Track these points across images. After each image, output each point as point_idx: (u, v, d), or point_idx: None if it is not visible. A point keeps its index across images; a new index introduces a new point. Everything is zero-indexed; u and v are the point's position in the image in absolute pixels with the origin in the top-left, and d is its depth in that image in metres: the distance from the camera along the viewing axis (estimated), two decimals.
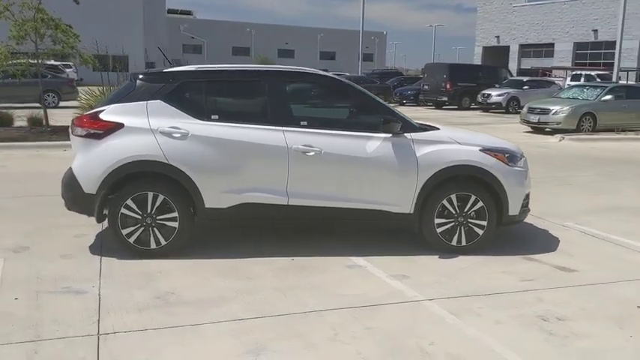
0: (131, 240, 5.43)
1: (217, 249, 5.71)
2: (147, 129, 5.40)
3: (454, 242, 5.75)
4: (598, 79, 36.22)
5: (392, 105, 30.88)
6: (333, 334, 3.99)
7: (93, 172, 5.37)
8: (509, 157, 5.86)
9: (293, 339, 3.90)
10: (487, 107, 28.93)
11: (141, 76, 5.70)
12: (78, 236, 6.15)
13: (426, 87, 31.62)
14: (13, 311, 4.25)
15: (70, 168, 5.53)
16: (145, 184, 5.41)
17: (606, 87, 19.52)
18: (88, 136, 5.44)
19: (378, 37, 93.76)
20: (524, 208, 5.98)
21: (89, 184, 5.37)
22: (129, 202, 5.38)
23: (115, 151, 5.35)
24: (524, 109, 19.24)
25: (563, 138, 16.60)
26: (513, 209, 5.81)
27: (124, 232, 5.42)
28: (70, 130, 5.73)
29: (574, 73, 37.44)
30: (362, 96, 5.91)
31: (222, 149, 5.42)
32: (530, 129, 19.03)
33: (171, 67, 6.33)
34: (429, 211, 5.67)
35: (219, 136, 5.43)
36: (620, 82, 30.42)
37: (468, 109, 30.18)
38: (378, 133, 5.64)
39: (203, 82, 5.70)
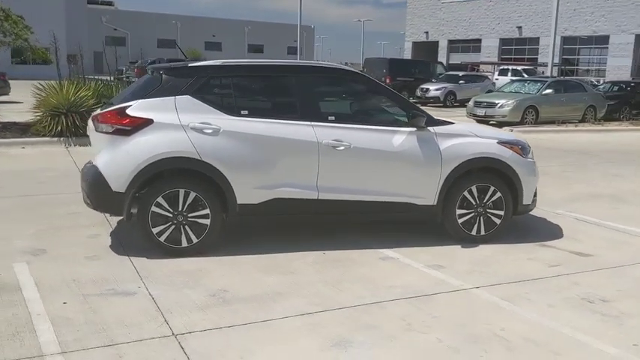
0: (162, 239, 5.30)
1: (246, 245, 5.66)
2: (177, 125, 5.28)
3: (474, 232, 5.97)
4: (524, 74, 38.02)
5: None
6: (406, 324, 4.08)
7: (122, 169, 5.20)
8: (522, 148, 6.14)
9: (370, 330, 3.97)
10: (425, 101, 29.64)
11: (167, 71, 5.55)
12: (92, 237, 5.94)
13: None
14: (70, 316, 4.08)
15: (94, 166, 5.32)
16: (176, 182, 5.29)
17: (546, 81, 20.54)
18: (116, 132, 5.25)
19: (306, 31, 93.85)
20: (534, 197, 6.28)
21: (118, 182, 5.20)
22: (160, 199, 5.25)
23: (145, 147, 5.20)
24: (471, 103, 19.96)
25: (513, 130, 17.34)
26: (527, 199, 6.10)
27: (155, 230, 5.28)
28: (91, 126, 5.50)
29: (501, 67, 39.07)
30: (385, 91, 6.03)
31: (254, 145, 5.38)
32: (475, 122, 19.76)
33: (189, 62, 6.19)
34: (451, 203, 5.85)
35: (250, 131, 5.39)
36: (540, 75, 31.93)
37: None
38: (403, 127, 5.77)
39: (231, 77, 5.62)
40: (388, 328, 4.01)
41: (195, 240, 5.36)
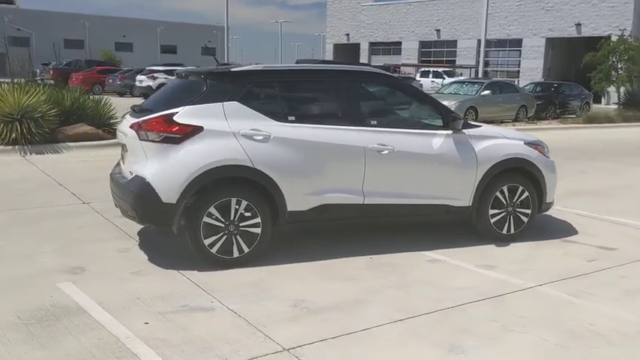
0: (213, 250, 5.11)
1: (288, 253, 5.53)
2: (228, 132, 5.10)
3: (504, 231, 6.15)
4: (445, 76, 39.48)
5: None
6: (500, 325, 4.15)
7: (173, 180, 4.96)
8: (544, 148, 6.40)
9: (470, 334, 3.99)
10: None
11: (212, 76, 5.34)
12: (122, 251, 5.62)
13: None
14: (162, 336, 3.85)
15: (140, 176, 5.04)
16: (227, 190, 5.11)
17: (483, 83, 21.41)
18: (164, 140, 5.00)
19: (221, 32, 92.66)
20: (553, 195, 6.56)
21: (169, 193, 4.95)
22: (211, 209, 5.05)
23: (197, 156, 4.99)
24: None
25: None
26: (550, 197, 6.37)
27: (207, 242, 5.08)
28: (130, 134, 5.18)
29: (422, 69, 40.34)
30: (421, 94, 6.12)
31: (304, 151, 5.29)
32: None
33: (224, 66, 5.98)
34: (484, 203, 6.01)
35: (300, 137, 5.29)
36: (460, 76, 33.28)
37: None
38: (439, 130, 5.86)
39: (276, 82, 5.49)
40: (486, 331, 4.06)
41: (246, 250, 5.20)
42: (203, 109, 5.13)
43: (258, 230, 5.20)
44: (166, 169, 4.97)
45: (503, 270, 5.31)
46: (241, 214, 5.12)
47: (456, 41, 45.21)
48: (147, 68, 35.48)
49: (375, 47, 50.96)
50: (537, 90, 25.73)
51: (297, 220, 5.37)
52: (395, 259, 5.54)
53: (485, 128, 6.25)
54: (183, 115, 5.06)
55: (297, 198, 5.30)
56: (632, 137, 18.13)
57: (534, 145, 6.30)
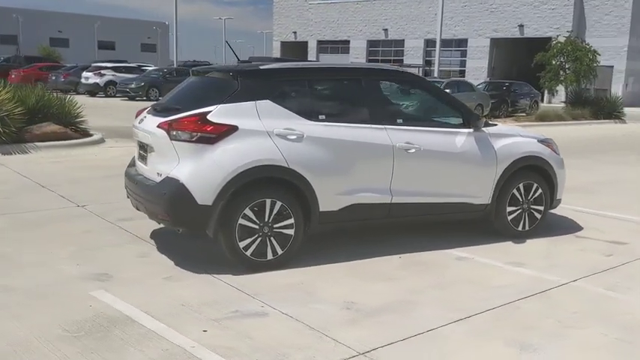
0: (248, 253, 4.95)
1: (315, 254, 5.42)
2: (262, 131, 4.95)
3: (520, 228, 6.24)
4: None
5: None
6: (556, 321, 4.19)
7: (209, 181, 4.77)
8: (555, 146, 6.53)
9: (533, 331, 4.01)
10: None
11: (244, 74, 5.17)
12: (142, 255, 5.39)
13: None
14: (227, 344, 3.69)
15: (173, 178, 4.82)
16: (262, 191, 4.96)
17: (442, 82, 21.76)
18: (199, 140, 4.80)
19: (161, 28, 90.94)
20: None
21: (205, 194, 4.76)
22: (247, 211, 4.90)
23: (234, 156, 4.82)
24: None
25: None
26: (560, 193, 6.51)
27: (241, 245, 4.92)
28: (159, 133, 4.94)
29: None
30: (442, 93, 6.12)
31: (336, 150, 5.21)
32: None
33: (246, 64, 5.81)
34: (502, 201, 6.08)
35: (332, 136, 5.20)
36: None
37: None
38: (461, 128, 5.89)
39: (306, 80, 5.39)
40: (547, 327, 4.09)
41: (279, 252, 5.07)
42: (236, 107, 4.96)
43: (291, 232, 5.08)
44: (202, 170, 4.78)
45: (532, 267, 5.38)
46: (275, 215, 4.99)
47: (403, 41, 45.83)
48: (93, 65, 34.34)
49: (323, 45, 51.03)
50: (489, 89, 26.40)
51: (328, 220, 5.27)
52: (423, 258, 5.53)
53: (502, 127, 6.34)
54: (217, 114, 4.88)
55: (329, 198, 5.21)
56: (586, 135, 18.89)
57: (546, 142, 6.43)
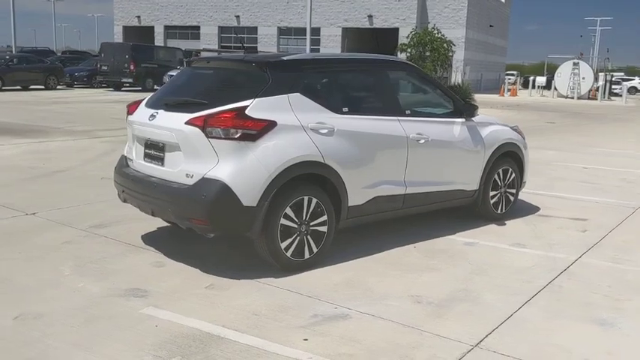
0: (288, 254, 4.74)
1: (334, 250, 5.33)
2: (298, 126, 4.74)
3: (499, 210, 6.64)
4: None
5: (61, 87, 28.39)
6: (604, 295, 4.53)
7: (254, 180, 4.47)
8: (521, 133, 7.00)
9: (593, 307, 4.30)
10: None
11: (274, 66, 4.87)
12: (158, 265, 4.92)
13: (104, 68, 29.91)
14: (343, 351, 3.53)
15: (211, 179, 4.43)
16: (301, 189, 4.75)
17: None
18: (241, 137, 4.46)
19: None
20: None
21: (250, 195, 4.46)
22: (287, 210, 4.67)
23: (276, 153, 4.56)
24: None
25: None
26: (526, 176, 7.01)
27: (283, 245, 4.69)
28: (198, 131, 4.50)
29: None
30: (438, 83, 6.25)
31: (361, 143, 5.14)
32: None
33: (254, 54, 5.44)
34: (487, 186, 6.41)
35: (357, 129, 5.12)
36: None
37: (153, 90, 29.70)
38: (456, 117, 6.09)
39: (329, 72, 5.23)
40: (602, 302, 4.39)
41: (315, 250, 4.92)
42: (270, 101, 4.68)
43: (324, 229, 4.94)
44: (245, 169, 4.46)
45: (533, 247, 5.75)
46: (312, 212, 4.83)
47: (256, 28, 45.64)
48: None
49: (171, 31, 49.17)
50: None
51: (354, 215, 5.20)
52: (435, 246, 5.67)
53: (483, 115, 6.64)
54: (254, 108, 4.57)
55: (357, 192, 5.14)
56: None
57: (516, 129, 6.87)
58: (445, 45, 25.87)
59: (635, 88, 53.44)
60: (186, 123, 4.55)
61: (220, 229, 4.57)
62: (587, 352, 3.63)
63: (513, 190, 6.78)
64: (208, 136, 4.46)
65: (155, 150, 4.88)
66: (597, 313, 4.22)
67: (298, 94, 4.85)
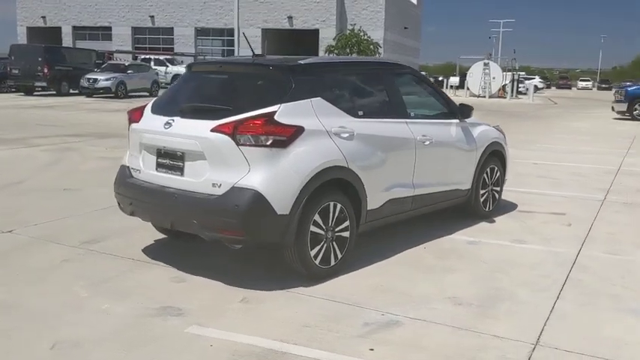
0: (317, 261, 4.62)
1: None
2: (323, 131, 4.63)
3: (487, 208, 6.80)
4: (168, 64, 38.82)
5: None
6: (625, 287, 4.72)
7: (286, 187, 4.32)
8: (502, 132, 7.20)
9: (620, 299, 4.47)
10: (94, 92, 27.77)
11: (296, 70, 4.72)
12: (179, 280, 4.66)
13: (15, 71, 28.10)
14: (414, 359, 3.47)
15: (244, 188, 4.24)
16: (327, 194, 4.64)
17: None
18: (273, 144, 4.29)
19: None
20: None
21: (283, 203, 4.31)
22: (316, 217, 4.56)
23: (305, 159, 4.43)
24: None
25: None
26: (507, 174, 7.23)
27: (312, 253, 4.57)
28: (227, 138, 4.27)
29: (143, 57, 38.91)
30: (434, 86, 6.30)
31: (377, 146, 5.10)
32: None
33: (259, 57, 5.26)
34: (478, 184, 6.55)
35: (373, 132, 5.08)
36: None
37: (68, 94, 28.32)
38: (452, 119, 6.18)
39: (345, 75, 5.17)
40: (624, 293, 4.58)
41: (339, 256, 4.83)
42: (296, 106, 4.54)
43: (347, 234, 4.87)
44: (278, 177, 4.30)
45: (532, 242, 5.92)
46: (337, 218, 4.74)
47: (172, 28, 44.53)
48: None
49: (81, 32, 47.01)
50: None
51: (371, 218, 5.15)
52: (443, 246, 5.72)
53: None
54: (282, 114, 4.41)
55: (375, 195, 5.10)
56: None
57: (498, 129, 7.07)
58: (372, 47, 26.30)
59: (536, 86, 56.70)
60: (213, 130, 4.33)
61: (254, 239, 4.37)
62: None
63: (498, 188, 6.97)
64: (239, 143, 4.26)
65: (171, 159, 4.61)
66: (627, 303, 4.40)
67: (319, 98, 4.74)
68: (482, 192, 6.64)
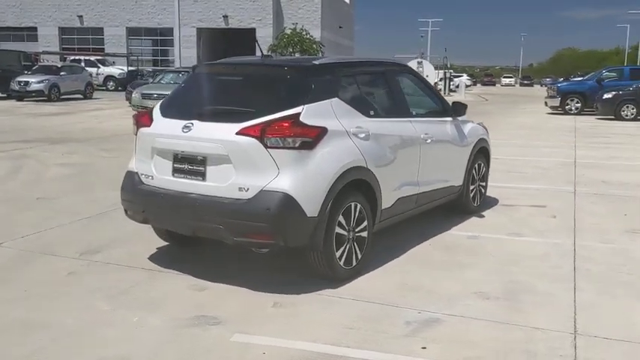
0: (341, 262, 4.60)
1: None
2: (343, 131, 4.61)
3: (475, 203, 6.97)
4: (99, 65, 37.56)
5: None
6: (630, 274, 4.95)
7: (315, 189, 4.28)
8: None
9: (636, 287, 4.71)
10: (25, 95, 26.50)
11: (316, 71, 4.67)
12: (200, 289, 4.52)
13: None
14: (474, 354, 3.51)
15: (274, 191, 4.15)
16: (349, 195, 4.62)
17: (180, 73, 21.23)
18: (300, 146, 4.23)
19: None
20: None
21: (312, 205, 4.26)
22: (340, 218, 4.54)
23: (330, 160, 4.41)
24: (137, 96, 19.31)
25: None
26: (489, 169, 7.43)
27: (337, 255, 4.55)
28: (254, 141, 4.17)
29: (73, 58, 37.50)
30: (429, 84, 6.37)
31: (390, 145, 5.14)
32: None
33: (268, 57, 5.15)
34: (469, 180, 6.70)
35: (386, 132, 5.11)
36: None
37: None
38: (446, 117, 6.29)
39: (358, 75, 5.16)
40: (636, 281, 4.81)
41: (360, 256, 4.83)
42: (318, 107, 4.50)
43: (365, 234, 4.87)
44: (306, 179, 4.25)
45: (528, 235, 6.11)
46: (357, 218, 4.74)
47: (102, 28, 43.05)
48: None
49: (4, 33, 44.59)
50: None
51: (384, 218, 5.17)
52: (446, 242, 5.81)
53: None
54: (306, 115, 4.36)
55: (388, 194, 5.12)
56: None
57: (483, 126, 7.24)
58: (314, 46, 26.38)
59: (465, 84, 58.48)
60: (239, 133, 4.22)
61: (284, 243, 4.29)
62: None
63: (484, 183, 7.16)
64: (268, 146, 4.18)
65: (191, 164, 4.46)
66: None
67: (337, 98, 4.71)
68: (472, 188, 6.79)
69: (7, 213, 6.70)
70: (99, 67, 37.14)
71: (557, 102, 24.87)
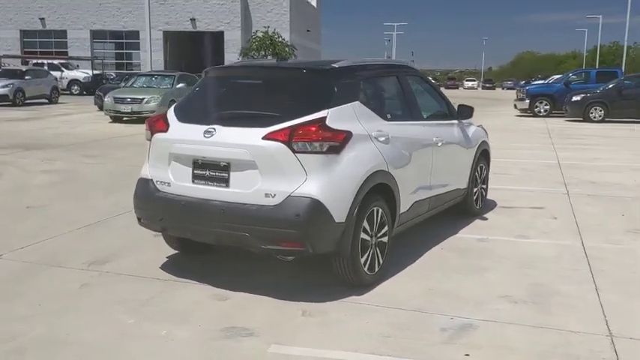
0: (365, 269, 4.53)
1: None
2: (366, 135, 4.54)
3: (478, 206, 6.98)
4: (63, 68, 36.77)
5: None
6: (631, 272, 5.03)
7: (343, 194, 4.20)
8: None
9: None
10: None
11: (337, 74, 4.58)
12: (222, 298, 4.40)
13: None
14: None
15: (303, 197, 4.05)
16: (372, 200, 4.55)
17: (175, 76, 21.01)
18: (328, 150, 4.14)
19: None
20: None
21: (340, 210, 4.18)
22: (365, 223, 4.47)
23: (356, 165, 4.34)
24: (110, 100, 18.88)
25: None
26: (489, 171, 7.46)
27: (362, 260, 4.47)
28: (282, 146, 4.07)
29: (35, 62, 36.61)
30: (436, 87, 6.35)
31: (407, 149, 5.09)
32: (111, 119, 18.97)
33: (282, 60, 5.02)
34: (472, 183, 6.71)
35: (403, 135, 5.07)
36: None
37: None
38: (453, 120, 6.28)
39: (374, 79, 5.11)
40: None
41: (381, 261, 4.76)
42: (341, 111, 4.42)
43: (386, 239, 4.81)
44: (334, 184, 4.17)
45: (536, 237, 6.14)
46: (379, 223, 4.67)
47: (65, 31, 42.09)
48: None
49: None
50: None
51: (402, 222, 5.12)
52: (457, 245, 5.79)
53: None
54: (331, 119, 4.28)
55: (405, 198, 5.07)
56: None
57: (483, 128, 7.27)
58: (287, 49, 26.27)
59: None
60: (265, 138, 4.11)
61: (313, 249, 4.18)
62: None
63: (485, 186, 7.18)
64: (297, 150, 4.08)
65: (213, 170, 4.32)
66: None
67: (358, 102, 4.64)
68: (474, 190, 6.80)
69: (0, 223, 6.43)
70: (63, 71, 36.34)
71: (526, 104, 25.31)
